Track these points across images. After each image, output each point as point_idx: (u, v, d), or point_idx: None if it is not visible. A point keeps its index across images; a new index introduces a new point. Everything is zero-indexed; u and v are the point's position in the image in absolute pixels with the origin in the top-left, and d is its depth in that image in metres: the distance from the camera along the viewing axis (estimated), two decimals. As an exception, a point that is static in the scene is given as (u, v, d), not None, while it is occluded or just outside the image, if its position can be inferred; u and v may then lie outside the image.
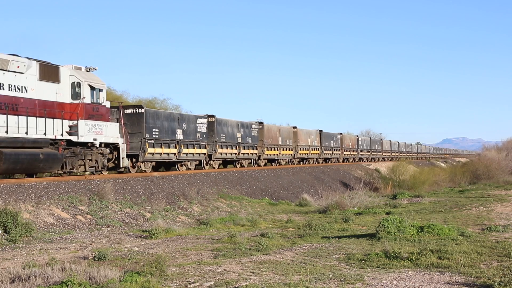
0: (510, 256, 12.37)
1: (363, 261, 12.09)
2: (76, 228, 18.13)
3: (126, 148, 26.65)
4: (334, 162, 59.08)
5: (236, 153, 37.93)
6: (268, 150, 42.98)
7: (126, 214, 20.97)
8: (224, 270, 11.37)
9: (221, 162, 38.18)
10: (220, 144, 35.95)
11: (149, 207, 22.61)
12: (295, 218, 22.74)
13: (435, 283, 10.06)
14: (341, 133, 63.15)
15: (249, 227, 20.07)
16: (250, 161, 41.20)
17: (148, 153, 28.43)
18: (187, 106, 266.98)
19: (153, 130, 29.08)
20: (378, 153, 79.34)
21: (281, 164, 45.93)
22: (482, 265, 11.55)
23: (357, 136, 70.71)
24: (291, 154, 47.72)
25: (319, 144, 54.71)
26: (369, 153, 73.78)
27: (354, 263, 11.95)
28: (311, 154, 52.68)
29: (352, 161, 65.73)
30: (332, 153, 59.23)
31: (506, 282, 9.46)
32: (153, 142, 28.89)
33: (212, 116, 35.62)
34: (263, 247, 14.04)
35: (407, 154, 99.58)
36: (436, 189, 42.97)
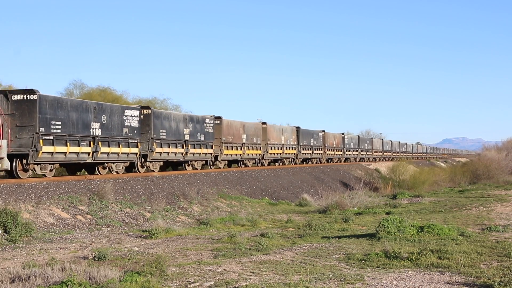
0: (510, 256, 12.37)
1: (363, 261, 12.09)
2: (76, 228, 18.13)
3: (8, 145, 20.77)
4: (316, 163, 53.50)
5: (182, 153, 31.43)
6: (228, 149, 36.83)
7: (126, 214, 20.97)
8: (224, 270, 11.37)
9: (161, 163, 31.34)
10: (159, 141, 29.22)
11: (149, 207, 22.62)
12: (295, 218, 22.74)
13: (435, 283, 10.06)
14: (323, 131, 56.73)
15: (249, 227, 20.07)
16: (204, 162, 35.14)
17: (43, 152, 21.89)
18: (188, 106, 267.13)
19: (53, 123, 22.43)
20: (368, 153, 73.40)
21: (248, 166, 40.28)
22: (482, 265, 11.56)
23: (343, 134, 64.19)
24: (260, 154, 41.85)
25: (295, 143, 48.56)
26: (357, 153, 68.04)
27: (354, 263, 11.95)
28: (286, 153, 46.48)
29: (337, 161, 60.93)
30: (312, 152, 52.69)
31: (506, 282, 9.46)
32: (52, 139, 22.39)
33: (148, 107, 29.56)
34: (263, 247, 14.04)
35: (402, 154, 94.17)
36: (436, 189, 42.97)
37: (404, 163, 50.94)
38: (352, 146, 66.27)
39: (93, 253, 13.20)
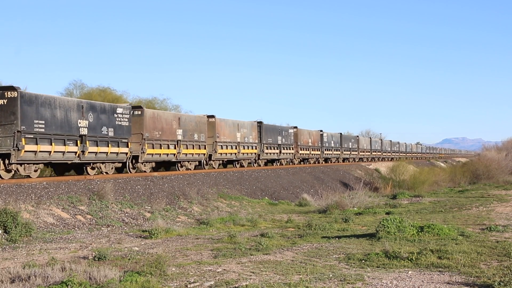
0: (510, 256, 12.37)
1: (363, 261, 12.09)
2: (76, 228, 18.14)
3: None
4: (288, 164, 47.29)
5: (76, 152, 23.65)
6: (153, 148, 28.89)
7: (126, 214, 20.98)
8: (224, 270, 11.37)
9: (41, 166, 23.69)
10: (31, 136, 21.52)
11: (149, 207, 22.62)
12: (295, 218, 22.74)
13: (435, 283, 10.06)
14: (295, 127, 49.82)
15: (249, 227, 20.07)
16: (115, 163, 27.19)
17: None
18: (187, 106, 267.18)
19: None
20: (353, 153, 66.44)
21: (189, 169, 33.12)
22: (482, 265, 11.56)
23: (321, 131, 56.00)
24: (204, 154, 34.14)
25: (257, 141, 41.40)
26: (338, 153, 61.01)
27: (354, 263, 11.95)
28: (243, 153, 39.04)
29: (316, 163, 54.56)
30: (280, 152, 45.23)
31: (506, 282, 9.46)
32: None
33: (13, 88, 21.05)
34: (263, 247, 14.05)
35: (394, 154, 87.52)
36: (436, 189, 42.98)
37: (404, 163, 50.96)
38: (332, 145, 59.08)
39: (93, 253, 13.21)
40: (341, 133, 62.65)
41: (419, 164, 76.04)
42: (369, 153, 73.52)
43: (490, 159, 58.56)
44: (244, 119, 41.18)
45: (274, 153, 44.39)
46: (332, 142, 59.20)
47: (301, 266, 11.63)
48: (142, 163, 28.66)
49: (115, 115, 26.13)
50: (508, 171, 58.09)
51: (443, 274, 10.77)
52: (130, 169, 27.87)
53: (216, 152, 35.31)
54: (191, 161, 33.41)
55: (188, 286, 10.03)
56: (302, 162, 51.76)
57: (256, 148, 41.14)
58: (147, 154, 28.36)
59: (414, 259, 11.89)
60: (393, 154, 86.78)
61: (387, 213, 23.22)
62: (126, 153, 26.85)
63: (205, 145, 34.08)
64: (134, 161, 28.15)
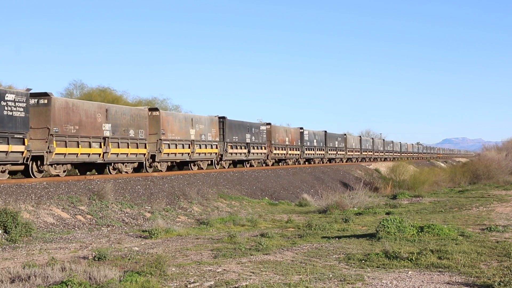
0: (510, 256, 12.37)
1: (363, 261, 12.09)
2: (76, 228, 18.14)
3: None
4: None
5: None
6: (66, 146, 23.15)
7: (126, 214, 20.98)
8: (224, 270, 11.37)
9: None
10: None
11: (149, 207, 22.62)
12: (295, 218, 22.74)
13: (435, 283, 10.06)
14: (268, 123, 44.40)
15: (249, 227, 20.08)
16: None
17: None
18: (187, 106, 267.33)
19: None
20: (340, 152, 61.08)
21: (126, 172, 27.79)
22: (482, 265, 11.56)
23: (301, 128, 50.62)
24: (144, 154, 28.36)
25: (218, 139, 35.63)
26: (322, 152, 55.53)
27: (354, 263, 11.95)
28: (198, 153, 33.11)
29: (296, 164, 49.14)
30: (249, 152, 39.48)
31: (506, 282, 9.46)
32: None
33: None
34: (263, 247, 14.05)
35: (387, 154, 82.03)
36: (436, 189, 42.99)
37: (404, 163, 50.95)
38: (315, 144, 53.36)
39: (93, 253, 13.21)
40: (325, 131, 56.99)
41: (419, 165, 75.98)
42: (358, 153, 68.43)
43: (490, 159, 58.59)
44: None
45: (241, 153, 38.67)
46: (315, 141, 53.53)
47: (301, 266, 11.63)
48: (50, 165, 23.15)
49: (2, 103, 20.23)
50: (508, 171, 58.12)
51: (443, 274, 10.77)
52: (34, 174, 22.46)
53: (161, 152, 29.67)
54: (127, 162, 27.77)
55: (188, 286, 10.03)
56: (277, 163, 46.59)
57: (217, 148, 35.26)
58: (56, 154, 22.65)
59: (414, 259, 11.89)
60: (386, 154, 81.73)
61: (387, 213, 23.23)
62: (22, 152, 20.98)
63: (145, 144, 28.32)
64: (39, 163, 22.70)
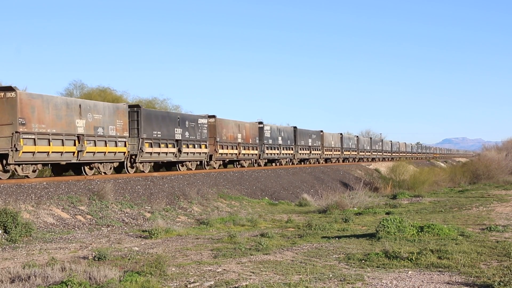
0: (510, 256, 12.37)
1: (363, 261, 12.10)
2: (76, 228, 18.14)
3: None
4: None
5: None
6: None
7: (126, 214, 20.98)
8: (224, 270, 11.37)
9: None
10: None
11: (149, 207, 22.62)
12: (295, 218, 22.74)
13: (435, 283, 10.06)
14: (212, 116, 36.33)
15: (249, 227, 20.07)
16: None
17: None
18: (187, 106, 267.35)
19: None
20: (315, 152, 53.21)
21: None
22: (482, 265, 11.56)
23: (261, 123, 43.10)
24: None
25: (127, 134, 27.02)
26: (290, 152, 47.75)
27: (354, 263, 11.95)
28: (95, 152, 24.66)
29: (254, 165, 42.32)
30: (180, 151, 31.29)
31: (506, 282, 9.46)
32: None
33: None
34: (263, 247, 14.05)
35: (374, 153, 74.93)
36: (436, 189, 42.98)
37: (404, 163, 50.92)
38: (281, 142, 45.87)
39: (93, 253, 13.21)
40: (295, 127, 49.52)
41: (419, 165, 75.95)
42: (339, 153, 60.61)
43: (490, 159, 58.59)
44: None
45: (167, 153, 30.31)
46: (280, 138, 45.56)
47: (301, 266, 11.64)
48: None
49: None
50: (508, 171, 58.13)
51: (443, 274, 10.77)
52: None
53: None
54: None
55: (188, 286, 10.03)
56: (222, 166, 39.70)
57: (125, 145, 26.79)
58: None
59: (414, 259, 11.89)
60: (373, 154, 74.04)
61: (387, 213, 23.23)
62: None
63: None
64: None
